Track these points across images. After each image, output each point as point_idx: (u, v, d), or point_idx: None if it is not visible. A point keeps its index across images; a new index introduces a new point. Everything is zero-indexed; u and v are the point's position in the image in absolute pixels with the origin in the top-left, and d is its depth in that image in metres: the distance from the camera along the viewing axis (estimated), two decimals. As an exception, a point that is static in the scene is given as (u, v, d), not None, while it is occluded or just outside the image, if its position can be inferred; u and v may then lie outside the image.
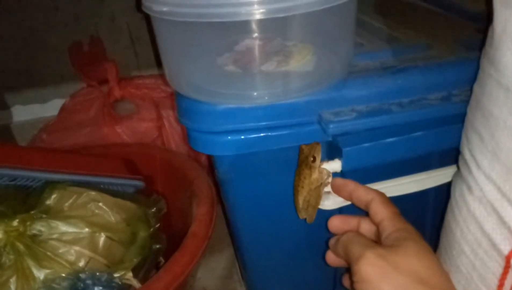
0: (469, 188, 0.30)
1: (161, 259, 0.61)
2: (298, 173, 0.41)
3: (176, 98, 0.42)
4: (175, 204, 0.66)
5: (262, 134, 0.40)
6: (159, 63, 0.97)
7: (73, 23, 0.90)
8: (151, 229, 0.58)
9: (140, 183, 0.64)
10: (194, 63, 0.43)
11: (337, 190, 0.39)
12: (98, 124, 0.75)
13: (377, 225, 0.33)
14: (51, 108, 0.92)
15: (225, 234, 0.75)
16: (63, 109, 0.81)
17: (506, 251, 0.27)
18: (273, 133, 0.40)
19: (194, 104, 0.40)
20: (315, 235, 0.48)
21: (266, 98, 0.39)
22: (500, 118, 0.27)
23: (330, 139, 0.40)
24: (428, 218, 0.50)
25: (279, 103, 0.39)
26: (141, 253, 0.54)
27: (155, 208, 0.63)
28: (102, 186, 0.58)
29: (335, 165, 0.40)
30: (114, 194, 0.56)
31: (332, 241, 0.36)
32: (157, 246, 0.59)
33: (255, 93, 0.39)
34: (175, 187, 0.66)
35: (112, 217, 0.52)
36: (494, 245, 0.27)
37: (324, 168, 0.40)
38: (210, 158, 0.61)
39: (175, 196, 0.66)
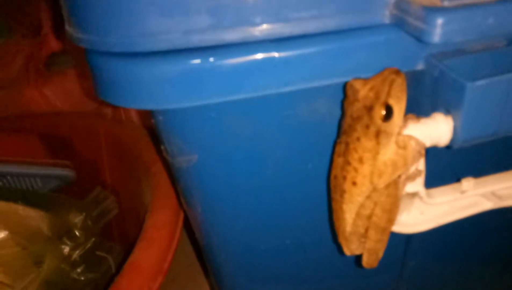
0: None
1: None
2: (344, 150, 0.17)
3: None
4: (129, 200, 0.44)
5: (263, 55, 0.16)
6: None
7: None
8: (77, 251, 0.34)
9: (67, 173, 0.40)
10: None
11: None
12: (19, 85, 0.51)
13: None
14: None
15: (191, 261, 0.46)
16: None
17: None
18: (289, 53, 0.16)
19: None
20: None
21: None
22: None
23: (422, 64, 0.16)
24: None
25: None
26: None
27: (96, 212, 0.40)
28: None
29: (441, 128, 0.16)
30: (9, 193, 0.32)
31: None
32: (90, 275, 0.35)
33: None
34: (127, 175, 0.43)
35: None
36: None
37: (412, 136, 0.16)
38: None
39: (128, 188, 0.43)
